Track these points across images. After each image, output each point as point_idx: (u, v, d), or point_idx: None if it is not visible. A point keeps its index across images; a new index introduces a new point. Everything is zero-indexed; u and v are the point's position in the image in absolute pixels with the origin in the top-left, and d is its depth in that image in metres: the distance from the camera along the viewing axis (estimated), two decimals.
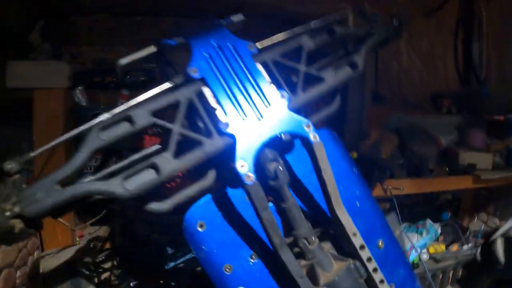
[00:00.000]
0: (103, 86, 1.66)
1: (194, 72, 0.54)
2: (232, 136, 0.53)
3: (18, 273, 1.09)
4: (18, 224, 0.46)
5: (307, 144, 0.56)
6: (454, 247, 1.83)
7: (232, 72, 0.56)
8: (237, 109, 0.54)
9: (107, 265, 1.35)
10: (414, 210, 1.98)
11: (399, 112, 1.82)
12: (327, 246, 0.62)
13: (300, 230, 0.56)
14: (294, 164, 0.63)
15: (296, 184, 0.62)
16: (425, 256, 1.73)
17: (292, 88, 0.59)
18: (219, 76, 0.55)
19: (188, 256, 1.41)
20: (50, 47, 1.66)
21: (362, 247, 0.59)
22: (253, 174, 0.52)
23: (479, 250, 1.71)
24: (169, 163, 0.51)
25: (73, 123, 1.36)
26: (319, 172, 0.56)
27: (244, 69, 0.56)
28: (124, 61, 0.59)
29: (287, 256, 0.54)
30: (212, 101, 0.54)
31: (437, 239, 1.86)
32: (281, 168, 0.55)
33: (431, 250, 1.79)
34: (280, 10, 1.77)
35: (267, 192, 0.54)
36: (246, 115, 0.54)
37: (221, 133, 0.53)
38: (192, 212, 0.57)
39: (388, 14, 0.71)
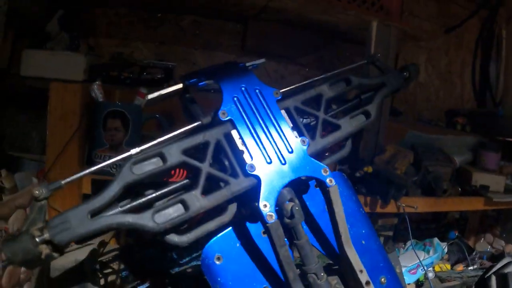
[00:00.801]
0: (119, 81, 1.63)
1: (223, 115, 0.58)
2: (257, 178, 0.57)
3: (22, 269, 1.07)
4: (45, 250, 0.47)
5: (323, 187, 0.61)
6: (460, 267, 1.82)
7: (258, 117, 0.60)
8: (262, 153, 0.58)
9: (113, 266, 1.33)
10: (421, 227, 1.97)
11: (414, 128, 1.81)
12: (334, 281, 0.67)
13: (310, 266, 0.59)
14: (308, 202, 0.68)
15: (309, 221, 0.68)
16: (430, 275, 1.72)
17: (308, 130, 0.65)
18: (246, 120, 0.59)
19: (195, 262, 1.39)
20: (68, 37, 1.64)
21: (367, 283, 0.62)
22: (274, 213, 0.56)
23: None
24: (197, 201, 0.54)
25: (87, 119, 1.34)
26: (332, 213, 0.61)
27: (270, 114, 0.60)
28: (151, 96, 0.62)
29: None
30: (239, 144, 0.58)
31: (442, 258, 1.85)
32: (297, 208, 0.58)
33: (436, 268, 1.78)
34: (301, 16, 1.76)
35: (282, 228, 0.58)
36: (270, 159, 0.58)
37: (247, 174, 0.57)
38: (211, 246, 0.61)
39: (400, 66, 0.79)
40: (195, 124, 0.59)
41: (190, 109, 0.63)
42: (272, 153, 0.58)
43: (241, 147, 0.57)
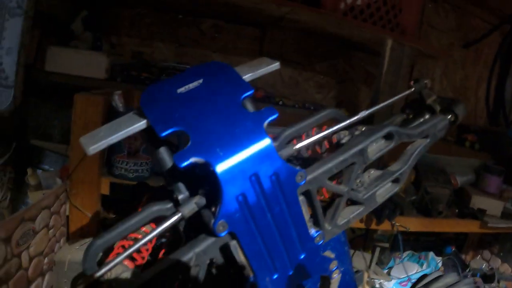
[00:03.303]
0: (139, 81, 1.71)
1: (222, 228, 0.39)
2: None
3: (46, 260, 1.17)
4: None
5: (326, 279, 0.52)
6: None
7: (270, 219, 0.42)
8: (268, 265, 0.44)
9: None
10: (420, 239, 2.02)
11: None
12: None
13: None
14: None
15: None
16: None
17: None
18: (254, 228, 0.41)
19: None
20: (91, 37, 1.72)
21: None
22: None
23: None
24: None
25: None
26: None
27: (286, 211, 0.43)
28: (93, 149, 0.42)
29: None
30: (240, 257, 0.43)
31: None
32: None
33: None
34: (317, 29, 1.79)
35: None
36: (276, 271, 0.45)
37: None
38: None
39: (444, 105, 0.65)
40: (174, 218, 0.39)
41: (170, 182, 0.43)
42: (280, 263, 0.45)
43: (242, 261, 0.43)
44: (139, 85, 1.69)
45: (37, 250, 1.10)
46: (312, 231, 0.47)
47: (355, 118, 0.53)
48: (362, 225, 1.51)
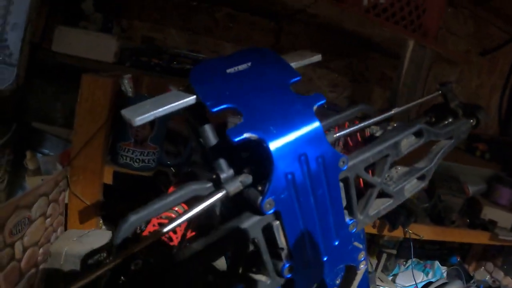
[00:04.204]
0: (148, 67, 1.64)
1: (269, 206, 0.39)
2: (293, 280, 0.45)
3: (41, 250, 1.11)
4: None
5: (352, 269, 0.53)
6: None
7: (312, 200, 0.42)
8: (306, 249, 0.45)
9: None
10: (426, 247, 1.99)
11: None
12: None
13: None
14: None
15: None
16: None
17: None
18: (298, 210, 0.42)
19: None
20: (102, 18, 1.65)
21: None
22: None
23: None
24: None
25: (115, 111, 1.35)
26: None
27: (327, 196, 0.43)
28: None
29: None
30: (281, 240, 0.42)
31: None
32: None
33: None
34: (336, 24, 1.73)
35: None
36: (313, 257, 0.46)
37: (282, 276, 0.44)
38: None
39: (466, 109, 0.69)
40: (219, 195, 0.39)
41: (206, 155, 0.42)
42: (316, 248, 0.45)
43: (282, 244, 0.43)
44: (149, 71, 1.62)
45: (32, 240, 1.02)
46: (346, 219, 0.49)
47: (389, 114, 0.57)
48: (371, 230, 1.46)
